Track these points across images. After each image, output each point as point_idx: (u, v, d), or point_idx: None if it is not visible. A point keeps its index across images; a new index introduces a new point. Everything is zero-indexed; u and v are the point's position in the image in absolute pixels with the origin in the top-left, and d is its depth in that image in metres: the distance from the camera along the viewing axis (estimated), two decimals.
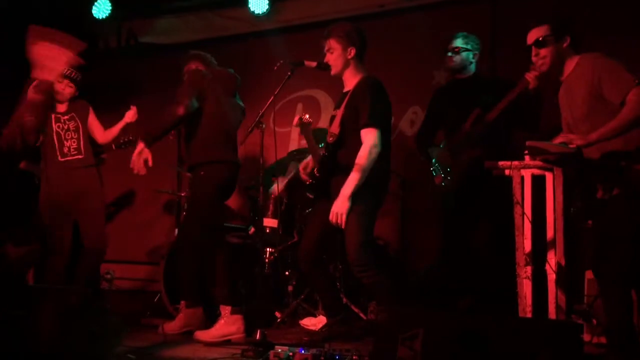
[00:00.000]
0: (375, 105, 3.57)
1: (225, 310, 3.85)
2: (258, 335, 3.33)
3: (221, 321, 3.83)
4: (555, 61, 3.16)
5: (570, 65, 3.14)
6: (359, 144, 3.55)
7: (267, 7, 5.66)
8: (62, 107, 4.59)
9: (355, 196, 3.48)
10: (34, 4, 5.63)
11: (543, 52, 3.16)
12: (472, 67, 4.26)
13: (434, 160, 4.25)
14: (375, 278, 3.53)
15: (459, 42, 4.22)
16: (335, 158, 3.68)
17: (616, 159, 2.97)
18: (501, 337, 2.08)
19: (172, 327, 4.00)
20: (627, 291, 2.97)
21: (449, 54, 4.24)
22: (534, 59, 3.21)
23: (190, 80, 4.09)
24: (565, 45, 3.14)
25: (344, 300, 4.28)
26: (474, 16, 5.11)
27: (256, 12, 5.68)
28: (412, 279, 4.73)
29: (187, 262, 4.00)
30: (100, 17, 6.02)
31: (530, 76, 3.56)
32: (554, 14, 3.26)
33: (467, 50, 4.21)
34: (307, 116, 3.71)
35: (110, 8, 5.97)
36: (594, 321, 3.52)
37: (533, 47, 3.19)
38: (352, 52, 3.68)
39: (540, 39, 3.15)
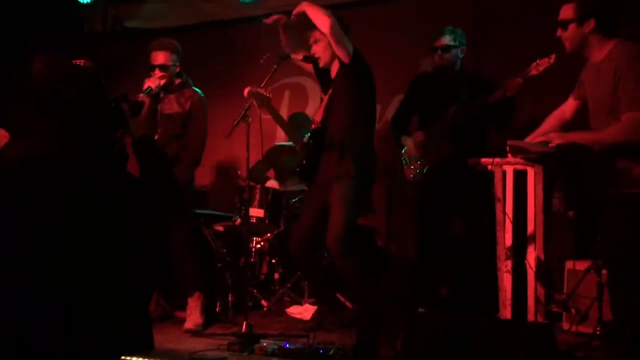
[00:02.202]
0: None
1: (200, 297, 3.95)
2: (244, 327, 3.39)
3: (200, 309, 3.94)
4: (579, 45, 3.03)
5: (604, 49, 2.97)
6: (342, 125, 3.64)
7: None
8: None
9: (349, 185, 3.57)
10: None
11: (565, 34, 3.04)
12: (459, 63, 4.21)
13: (404, 151, 4.25)
14: (350, 268, 3.60)
15: (448, 39, 4.11)
16: (320, 143, 3.73)
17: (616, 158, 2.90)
18: (479, 338, 2.14)
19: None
20: (632, 288, 2.90)
21: (439, 52, 4.13)
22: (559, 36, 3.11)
23: None
24: (588, 29, 2.97)
25: None
26: (458, 3, 5.12)
27: None
28: (396, 267, 4.79)
29: (193, 254, 4.02)
30: (85, 2, 5.96)
31: (510, 84, 3.58)
32: None
33: (455, 47, 4.13)
34: (262, 91, 3.70)
35: None
36: (573, 311, 3.61)
37: (559, 27, 3.08)
38: None
39: (564, 20, 3.03)
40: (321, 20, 3.54)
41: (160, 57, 4.06)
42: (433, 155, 4.08)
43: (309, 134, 3.89)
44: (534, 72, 3.50)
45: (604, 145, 2.89)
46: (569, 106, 3.26)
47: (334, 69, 3.78)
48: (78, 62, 3.53)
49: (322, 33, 3.71)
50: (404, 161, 4.23)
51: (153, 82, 3.97)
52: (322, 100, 3.86)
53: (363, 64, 3.70)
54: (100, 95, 2.11)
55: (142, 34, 6.18)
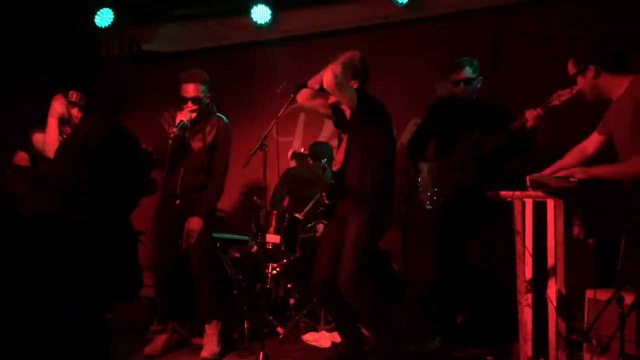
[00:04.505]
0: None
1: (217, 324, 4.01)
2: (260, 359, 3.37)
3: (216, 337, 4.00)
4: (593, 93, 3.08)
5: (622, 85, 2.99)
6: (363, 166, 3.63)
7: (269, 17, 5.64)
8: None
9: (363, 224, 3.54)
10: (36, 14, 5.63)
11: (579, 87, 3.12)
12: (475, 93, 4.17)
13: (420, 178, 4.21)
14: (363, 304, 3.57)
15: (468, 72, 4.07)
16: (342, 183, 3.72)
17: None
18: None
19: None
20: None
21: (462, 84, 4.08)
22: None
23: None
24: (591, 76, 3.02)
25: None
26: (476, 29, 5.12)
27: (259, 22, 5.66)
28: (412, 290, 4.75)
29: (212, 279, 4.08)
30: (103, 26, 6.01)
31: (530, 115, 3.56)
32: (580, 45, 3.13)
33: (475, 78, 4.10)
34: (302, 149, 3.76)
35: (112, 17, 5.96)
36: (594, 341, 3.55)
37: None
38: (355, 85, 3.71)
39: (571, 76, 3.11)
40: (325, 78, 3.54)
41: (191, 90, 4.06)
42: (449, 183, 4.04)
43: (331, 175, 3.90)
44: (555, 102, 3.48)
45: (627, 177, 2.88)
46: (592, 141, 3.26)
47: (347, 110, 3.78)
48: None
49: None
50: (420, 188, 4.19)
51: (185, 116, 4.01)
52: (341, 139, 3.84)
53: (372, 105, 3.68)
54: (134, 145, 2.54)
55: (159, 57, 6.23)
